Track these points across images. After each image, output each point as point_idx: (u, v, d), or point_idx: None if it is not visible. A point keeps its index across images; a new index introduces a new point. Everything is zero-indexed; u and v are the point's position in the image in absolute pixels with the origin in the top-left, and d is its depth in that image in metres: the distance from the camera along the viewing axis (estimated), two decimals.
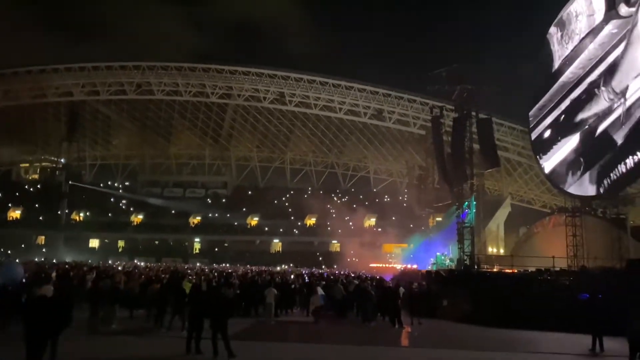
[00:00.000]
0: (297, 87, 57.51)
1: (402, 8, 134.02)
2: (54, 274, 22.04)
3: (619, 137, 21.36)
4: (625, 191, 24.24)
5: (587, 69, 23.78)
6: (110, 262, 45.21)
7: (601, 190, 22.65)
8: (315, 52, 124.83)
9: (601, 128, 22.59)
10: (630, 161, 20.54)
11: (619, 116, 21.27)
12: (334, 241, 59.25)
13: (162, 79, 58.86)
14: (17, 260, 27.25)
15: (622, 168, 21.04)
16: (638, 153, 20.12)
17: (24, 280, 17.13)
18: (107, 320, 14.57)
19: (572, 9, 25.29)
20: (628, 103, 20.73)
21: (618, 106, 21.43)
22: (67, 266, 31.21)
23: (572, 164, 25.33)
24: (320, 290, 18.52)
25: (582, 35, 24.34)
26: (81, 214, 65.72)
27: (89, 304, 14.47)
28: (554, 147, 26.85)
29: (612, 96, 21.92)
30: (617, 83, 21.61)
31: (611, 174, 21.65)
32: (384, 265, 41.94)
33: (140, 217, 65.36)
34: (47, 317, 8.71)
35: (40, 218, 62.14)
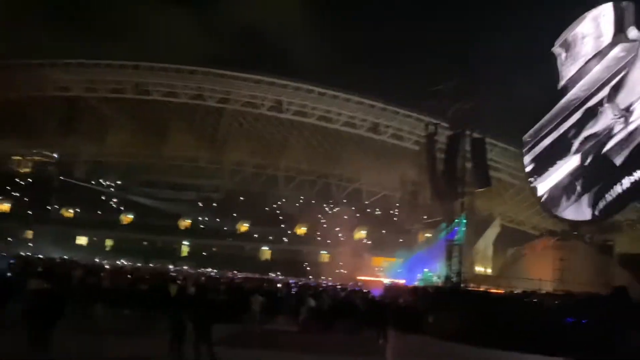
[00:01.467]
0: (295, 95, 57.63)
1: (405, 25, 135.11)
2: (39, 269, 21.88)
3: (619, 160, 21.55)
4: (613, 218, 24.50)
5: (591, 92, 23.89)
6: (97, 260, 44.87)
7: (596, 213, 22.80)
8: (315, 62, 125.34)
9: (601, 151, 22.77)
10: (626, 181, 20.74)
11: (621, 139, 21.48)
12: (323, 251, 59.14)
13: (161, 80, 58.78)
14: (4, 254, 27.05)
15: (617, 189, 21.23)
16: (634, 173, 20.30)
17: (8, 274, 17.06)
18: (91, 318, 14.51)
19: (578, 30, 25.37)
20: (631, 127, 20.90)
21: (621, 129, 21.61)
22: (54, 262, 30.99)
23: (567, 188, 25.51)
24: (311, 301, 18.54)
25: (588, 57, 24.44)
26: (71, 210, 65.22)
27: (73, 301, 14.39)
28: (550, 169, 27.04)
29: (617, 112, 22.09)
30: (621, 99, 21.81)
31: (606, 195, 21.81)
32: (371, 279, 41.93)
33: (131, 216, 64.97)
34: (46, 309, 9.32)
35: (29, 212, 61.66)
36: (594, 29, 24.20)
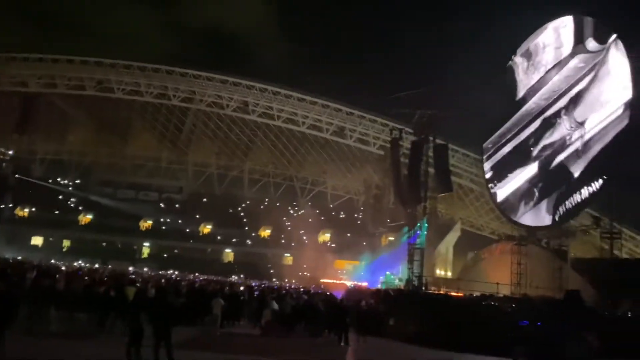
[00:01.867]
0: (262, 97, 57.44)
1: (373, 32, 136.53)
2: None
3: (576, 169, 22.34)
4: (567, 224, 25.30)
5: (551, 101, 24.65)
6: (53, 261, 43.46)
7: (556, 219, 23.54)
8: (282, 64, 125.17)
9: (558, 159, 23.53)
10: (585, 191, 21.53)
11: (577, 148, 22.29)
12: (286, 254, 59.03)
13: (124, 77, 57.63)
14: None
15: (577, 197, 22.00)
16: (593, 184, 21.12)
17: None
18: (45, 321, 14.06)
19: (539, 40, 26.16)
20: (587, 136, 21.72)
21: (577, 138, 22.42)
22: (7, 263, 29.83)
23: (525, 194, 26.24)
24: (274, 305, 18.47)
25: (548, 66, 25.20)
26: (26, 210, 63.05)
27: (27, 303, 13.92)
28: (509, 175, 27.75)
29: (572, 125, 22.90)
30: (579, 114, 22.60)
31: (566, 202, 22.56)
32: (334, 282, 42.10)
33: (89, 216, 63.30)
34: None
35: None
36: (554, 39, 24.99)
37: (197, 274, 44.31)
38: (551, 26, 25.25)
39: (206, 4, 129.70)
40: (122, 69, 57.34)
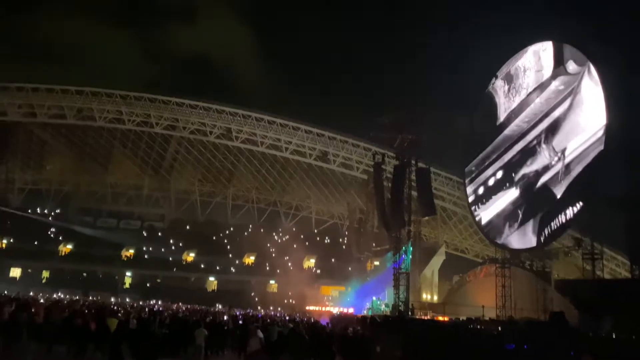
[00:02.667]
0: (245, 124, 57.59)
1: (353, 57, 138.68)
2: None
3: (558, 191, 22.59)
4: (550, 245, 25.48)
5: (532, 123, 24.95)
6: (31, 293, 42.39)
7: (541, 240, 23.67)
8: (265, 90, 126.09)
9: (541, 182, 23.79)
10: (567, 213, 21.76)
11: (558, 172, 22.60)
12: (271, 281, 58.34)
13: (106, 106, 57.41)
14: None
15: (562, 218, 22.19)
16: (574, 206, 21.36)
17: None
18: (23, 355, 13.64)
19: (520, 63, 26.60)
20: (567, 160, 22.07)
21: (557, 162, 22.78)
22: None
23: (509, 216, 26.39)
24: (260, 333, 18.17)
25: (530, 89, 25.59)
26: (4, 241, 61.62)
27: (3, 337, 13.52)
28: (493, 197, 27.93)
29: (552, 154, 23.27)
30: (557, 143, 22.95)
31: (551, 224, 22.75)
32: (320, 309, 41.64)
33: (70, 246, 62.01)
34: None
35: None
36: (535, 62, 25.43)
37: (180, 304, 43.53)
38: (531, 49, 25.72)
39: (189, 32, 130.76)
40: (104, 97, 57.16)
